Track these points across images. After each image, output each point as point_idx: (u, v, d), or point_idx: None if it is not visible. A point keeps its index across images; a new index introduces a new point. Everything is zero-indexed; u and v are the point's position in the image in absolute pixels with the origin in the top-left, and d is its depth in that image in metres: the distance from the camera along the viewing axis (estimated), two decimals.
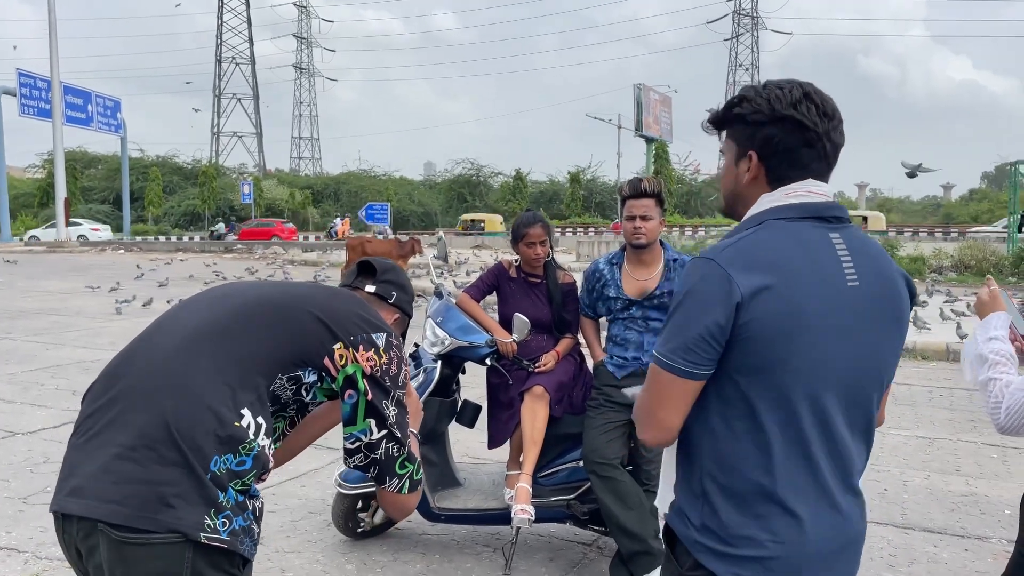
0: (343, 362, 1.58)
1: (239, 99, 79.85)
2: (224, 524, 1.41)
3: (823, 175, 1.44)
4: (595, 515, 3.34)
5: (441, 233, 4.97)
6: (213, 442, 1.41)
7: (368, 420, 1.60)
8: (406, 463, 1.66)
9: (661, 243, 3.28)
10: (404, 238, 18.08)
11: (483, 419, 3.61)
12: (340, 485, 3.46)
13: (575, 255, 23.71)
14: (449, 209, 59.09)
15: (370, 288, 1.87)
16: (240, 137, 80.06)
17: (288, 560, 3.49)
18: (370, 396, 1.59)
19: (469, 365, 3.55)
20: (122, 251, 31.44)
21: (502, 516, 3.36)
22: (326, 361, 1.57)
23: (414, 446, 1.73)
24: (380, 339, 1.63)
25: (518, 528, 3.25)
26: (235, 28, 79.79)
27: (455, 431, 3.73)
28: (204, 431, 1.41)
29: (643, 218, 3.12)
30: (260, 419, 1.49)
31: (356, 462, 1.63)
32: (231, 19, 79.77)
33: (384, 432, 1.61)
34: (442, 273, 15.77)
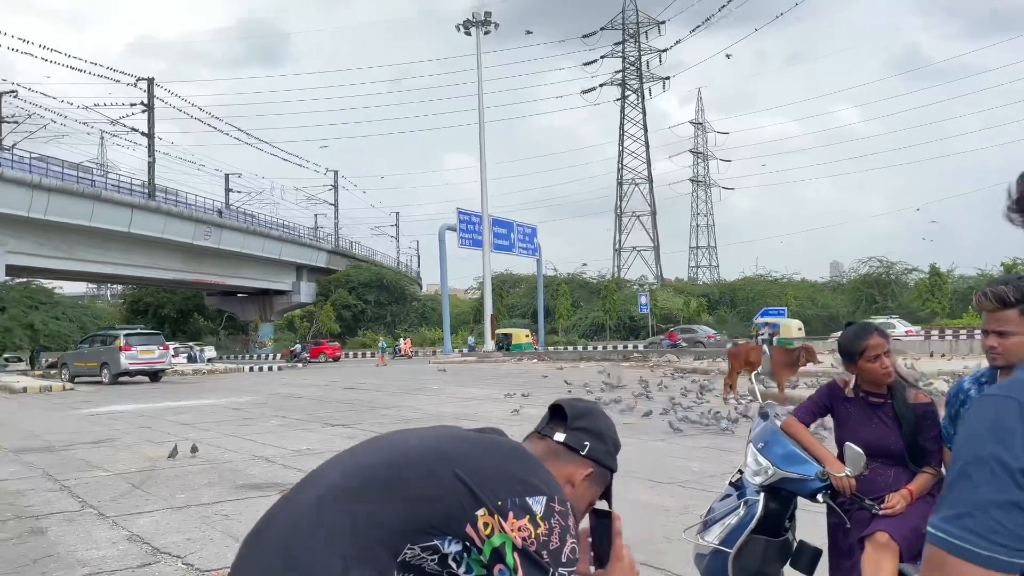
0: (488, 531, 1.34)
1: (638, 216, 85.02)
2: None
3: None
4: None
5: (769, 336, 4.49)
6: None
7: None
8: None
9: None
10: (795, 345, 17.03)
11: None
12: None
13: None
14: (855, 311, 54.56)
15: (559, 436, 1.61)
16: (639, 251, 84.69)
17: None
18: (521, 574, 1.33)
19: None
20: (535, 360, 34.88)
21: None
22: (468, 529, 1.34)
23: None
24: (538, 504, 1.37)
25: None
26: (635, 152, 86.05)
27: None
28: None
29: (999, 334, 2.43)
30: None
31: None
32: (631, 144, 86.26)
33: None
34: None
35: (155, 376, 28.33)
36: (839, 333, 3.19)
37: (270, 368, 38.76)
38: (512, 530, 1.33)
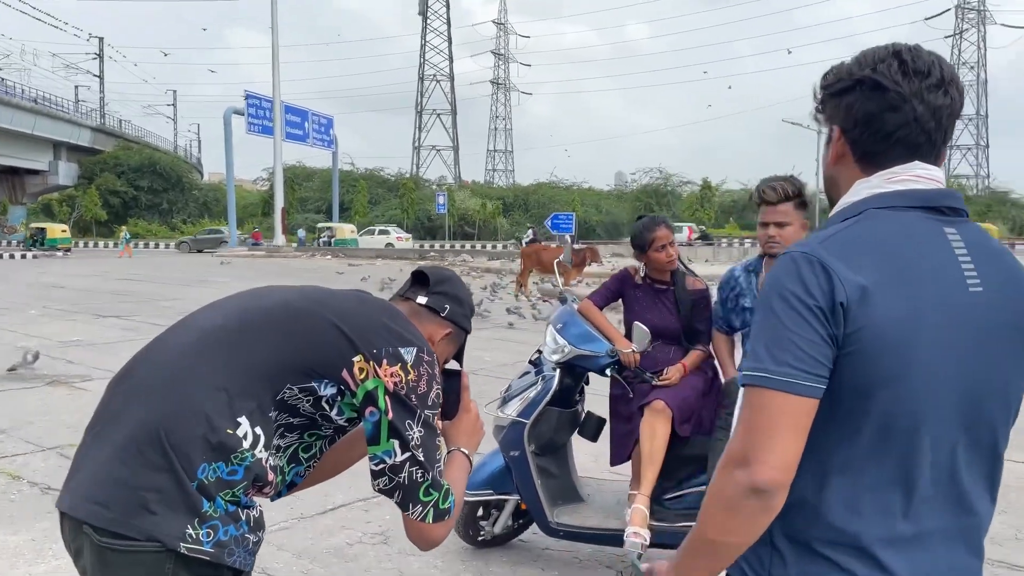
0: (363, 376, 1.45)
1: (439, 114, 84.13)
2: (208, 535, 1.33)
3: (925, 151, 1.17)
4: None
5: (568, 238, 4.83)
6: (202, 448, 1.33)
7: (392, 441, 1.46)
8: (431, 490, 1.50)
9: None
10: (580, 246, 18.09)
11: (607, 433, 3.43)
12: None
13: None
14: (635, 219, 58.64)
15: (421, 299, 1.71)
16: (438, 151, 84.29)
17: (407, 562, 3.49)
18: (391, 415, 1.45)
19: (598, 377, 3.38)
20: (328, 256, 34.10)
21: (622, 538, 3.16)
22: (344, 374, 1.45)
23: (457, 473, 1.61)
24: (408, 354, 1.49)
25: (639, 553, 3.03)
26: (437, 47, 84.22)
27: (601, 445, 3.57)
28: (193, 436, 1.34)
29: (777, 225, 2.80)
30: (259, 429, 1.40)
31: (381, 485, 1.49)
32: (433, 39, 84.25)
33: (407, 455, 1.46)
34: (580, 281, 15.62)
35: None
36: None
37: (23, 256, 34.66)
38: (385, 375, 1.46)
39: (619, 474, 4.19)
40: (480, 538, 3.56)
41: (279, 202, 41.54)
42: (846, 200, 1.21)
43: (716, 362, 3.29)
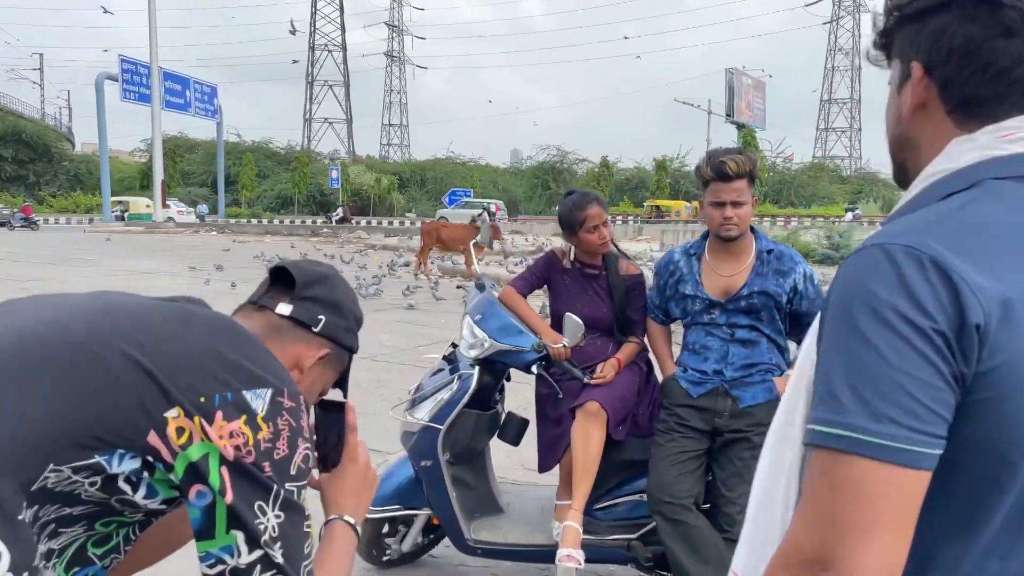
0: (183, 440, 0.95)
1: (331, 86, 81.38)
2: None
3: None
4: (661, 560, 2.74)
5: (485, 214, 4.42)
6: None
7: (233, 533, 0.97)
8: None
9: (752, 230, 2.63)
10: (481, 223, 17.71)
11: (533, 436, 3.05)
12: None
13: (659, 244, 22.82)
14: (532, 196, 58.89)
15: (283, 308, 1.21)
16: (331, 123, 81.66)
17: None
18: (231, 496, 0.96)
19: (516, 372, 2.99)
20: (214, 233, 32.32)
21: (548, 554, 2.80)
22: (152, 439, 0.94)
23: (338, 559, 1.15)
24: (258, 399, 1.00)
25: None
26: (328, 16, 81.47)
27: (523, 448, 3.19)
28: None
29: (735, 204, 2.48)
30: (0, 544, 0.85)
31: None
32: (325, 7, 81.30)
33: (258, 555, 0.98)
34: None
35: None
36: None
37: None
38: (220, 437, 0.96)
39: (536, 472, 3.86)
40: (386, 558, 3.13)
41: (158, 175, 38.97)
42: (941, 167, 0.83)
43: (651, 355, 2.97)
